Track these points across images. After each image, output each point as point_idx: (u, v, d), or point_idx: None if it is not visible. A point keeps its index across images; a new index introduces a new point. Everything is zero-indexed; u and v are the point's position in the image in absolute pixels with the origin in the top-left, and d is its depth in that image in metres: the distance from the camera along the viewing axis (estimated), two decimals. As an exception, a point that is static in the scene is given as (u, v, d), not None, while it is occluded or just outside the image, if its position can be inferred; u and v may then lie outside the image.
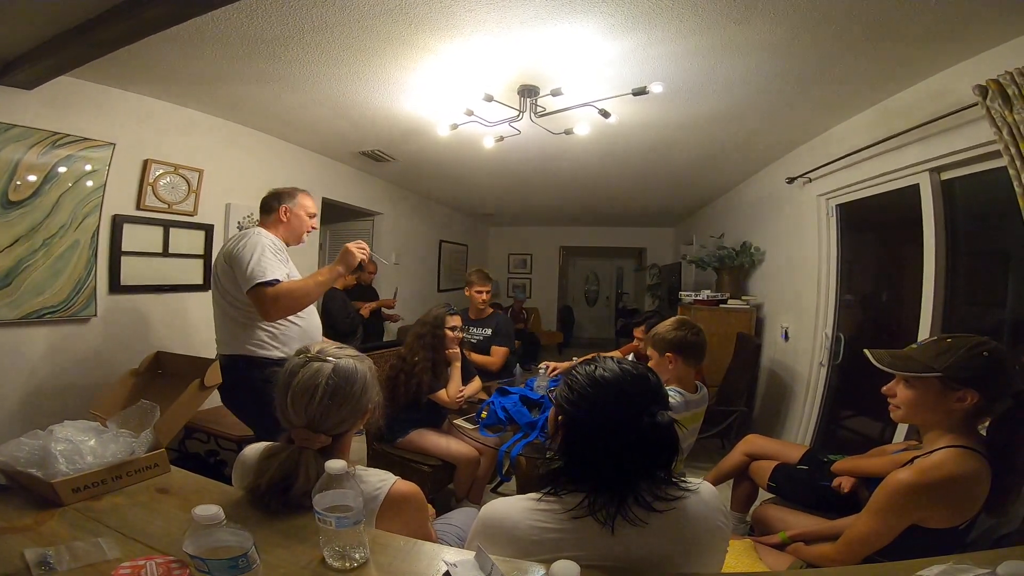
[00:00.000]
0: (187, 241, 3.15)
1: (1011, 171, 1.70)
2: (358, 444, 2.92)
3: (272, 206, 2.12)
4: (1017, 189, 1.69)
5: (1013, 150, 1.68)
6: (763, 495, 2.13)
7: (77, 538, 0.94)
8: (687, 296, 4.66)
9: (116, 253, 2.76)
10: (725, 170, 4.47)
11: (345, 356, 1.14)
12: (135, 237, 2.85)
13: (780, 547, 1.58)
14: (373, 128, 3.38)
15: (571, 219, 8.42)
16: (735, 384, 3.80)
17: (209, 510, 0.78)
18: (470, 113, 2.64)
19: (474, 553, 0.91)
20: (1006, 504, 1.27)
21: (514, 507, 0.97)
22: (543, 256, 9.37)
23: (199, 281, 3.24)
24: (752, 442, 2.30)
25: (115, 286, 2.76)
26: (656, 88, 2.29)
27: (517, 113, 2.62)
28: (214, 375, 1.85)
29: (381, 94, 2.73)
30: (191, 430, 2.68)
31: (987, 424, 1.31)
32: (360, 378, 1.12)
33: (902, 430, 2.40)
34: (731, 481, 2.32)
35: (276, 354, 1.91)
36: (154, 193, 2.90)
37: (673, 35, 1.97)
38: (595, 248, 9.63)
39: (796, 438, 3.33)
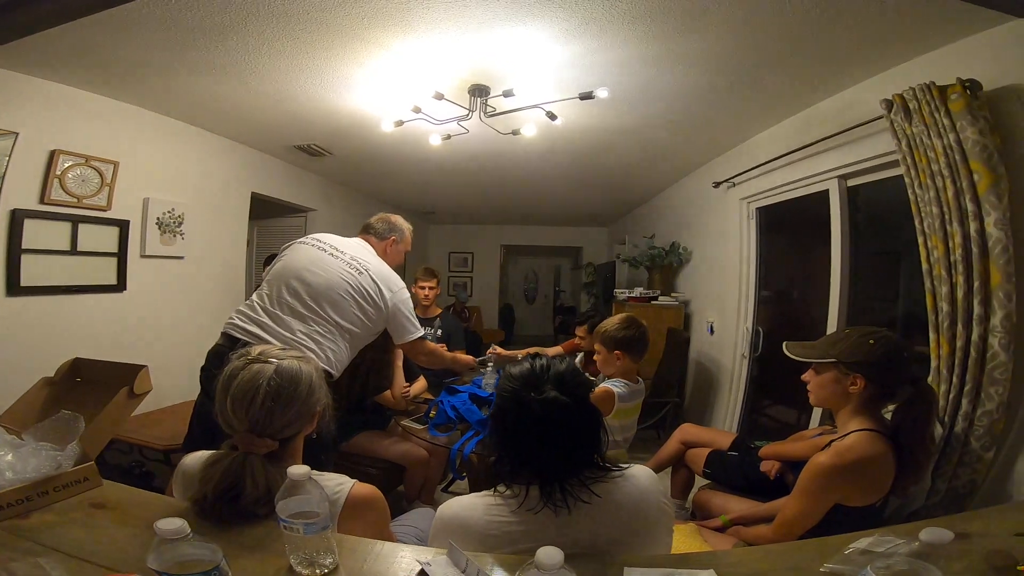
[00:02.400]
0: (99, 238, 2.91)
1: (906, 179, 1.90)
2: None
3: (385, 234, 2.20)
4: (911, 196, 1.88)
5: (909, 160, 1.87)
6: (700, 481, 2.27)
7: (13, 559, 0.85)
8: (621, 293, 4.85)
9: (15, 251, 2.49)
10: (657, 173, 4.69)
11: (289, 357, 1.11)
12: (38, 234, 2.58)
13: (721, 530, 1.70)
14: (311, 122, 3.25)
15: (512, 218, 8.49)
16: (667, 377, 4.01)
17: (173, 523, 0.74)
18: (418, 110, 2.61)
19: (447, 551, 0.92)
20: (907, 485, 1.43)
21: (470, 504, 1.01)
22: (484, 255, 9.37)
23: (113, 281, 3.00)
24: (686, 431, 2.44)
25: (14, 287, 2.50)
26: (602, 93, 2.37)
27: (467, 112, 2.62)
28: (144, 382, 1.72)
29: (324, 88, 2.64)
30: (110, 440, 2.48)
31: (892, 409, 1.47)
32: (305, 379, 1.10)
33: (816, 416, 2.63)
34: (669, 469, 2.46)
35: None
36: (61, 186, 2.64)
37: (621, 42, 2.05)
38: (534, 247, 9.76)
39: (724, 426, 3.56)
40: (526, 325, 10.75)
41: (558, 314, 10.54)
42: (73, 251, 2.76)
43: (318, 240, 2.03)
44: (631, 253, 5.38)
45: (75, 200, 2.72)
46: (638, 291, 4.65)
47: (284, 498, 0.86)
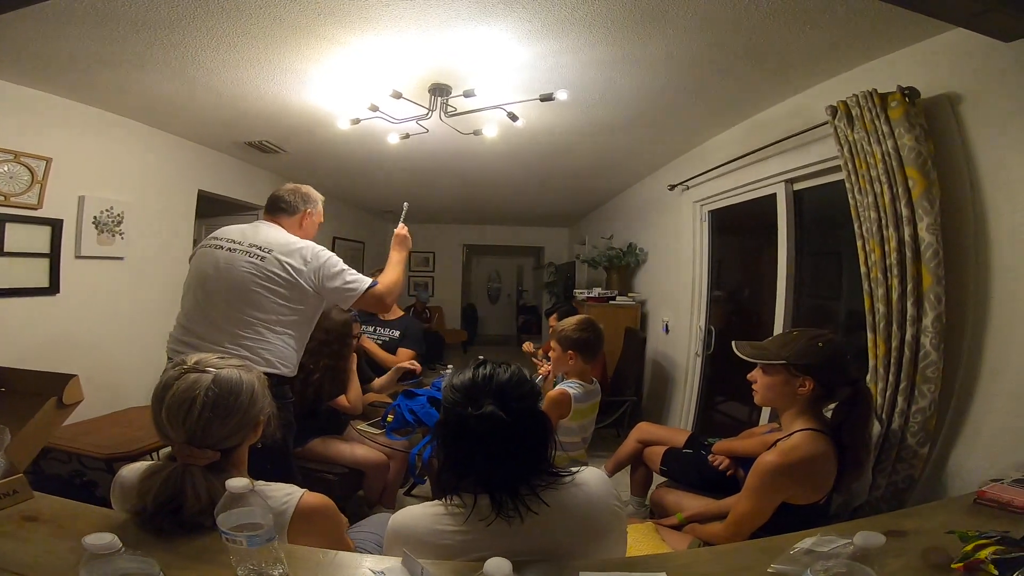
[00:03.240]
0: (29, 238, 2.72)
1: (847, 184, 1.97)
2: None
3: (297, 207, 1.97)
4: (851, 201, 1.96)
5: (851, 165, 1.94)
6: (659, 479, 2.32)
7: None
8: (580, 293, 4.91)
9: (-68, 251, 2.31)
10: (615, 176, 4.76)
11: (228, 366, 1.08)
12: (-42, 233, 2.40)
13: (678, 527, 1.73)
14: (264, 118, 3.14)
15: (474, 218, 8.45)
16: (625, 375, 4.09)
17: (103, 539, 0.72)
18: (375, 109, 2.56)
19: (400, 559, 0.91)
20: (849, 482, 1.49)
21: (421, 515, 1.00)
22: (446, 254, 9.31)
23: (44, 284, 2.81)
24: (643, 429, 2.49)
25: (-69, 290, 2.31)
26: (561, 95, 2.39)
27: (426, 111, 2.59)
28: (74, 392, 1.62)
29: (277, 84, 2.56)
30: (46, 450, 2.36)
31: (833, 408, 1.53)
32: (247, 389, 1.07)
33: (765, 413, 2.73)
34: (629, 467, 2.50)
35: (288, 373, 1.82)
36: (-14, 183, 2.46)
37: (582, 44, 2.06)
38: (497, 247, 9.74)
39: (679, 423, 3.66)
40: (489, 325, 10.75)
41: (521, 313, 10.59)
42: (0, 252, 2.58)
43: (215, 239, 1.86)
44: (590, 254, 5.45)
45: (2, 198, 2.53)
46: (596, 291, 4.72)
47: (224, 511, 0.84)
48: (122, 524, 1.01)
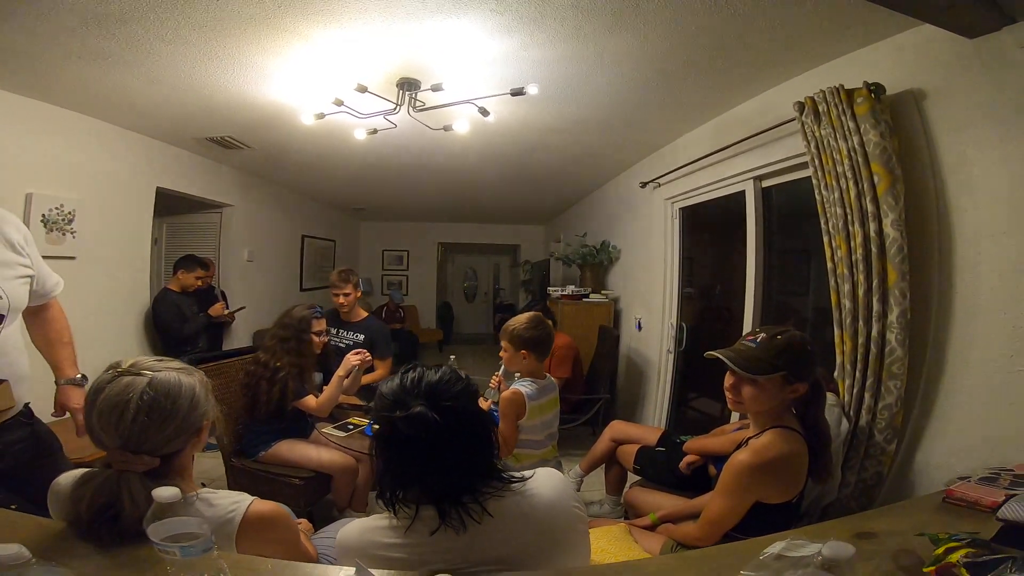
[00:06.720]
0: (-31, 237, 2.56)
1: (814, 180, 1.97)
2: (215, 461, 2.62)
3: None
4: (817, 197, 1.96)
5: (817, 162, 1.94)
6: (633, 477, 2.30)
7: None
8: (555, 291, 4.90)
9: None
10: (589, 173, 4.76)
11: (166, 369, 1.03)
12: None
13: (651, 528, 1.71)
14: (224, 114, 3.03)
15: (449, 215, 8.38)
16: (599, 373, 4.08)
17: (8, 549, 0.68)
18: (339, 103, 2.48)
19: (354, 570, 0.86)
20: (824, 474, 1.47)
21: (365, 529, 0.96)
22: (421, 252, 9.22)
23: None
24: (616, 428, 2.47)
25: None
26: (532, 90, 2.35)
27: (394, 106, 2.52)
28: (3, 397, 1.51)
29: (237, 78, 2.46)
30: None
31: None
32: (186, 392, 1.02)
33: (736, 409, 2.74)
34: (604, 466, 2.49)
35: None
36: (-80, 180, 2.30)
37: (553, 39, 2.02)
38: (473, 245, 9.70)
39: (653, 420, 3.67)
40: (465, 323, 10.66)
41: (498, 312, 10.53)
42: (-64, 252, 2.41)
43: None
44: (564, 251, 5.44)
45: (-62, 194, 2.37)
46: (570, 289, 4.71)
47: (154, 520, 0.81)
48: (59, 533, 0.96)
